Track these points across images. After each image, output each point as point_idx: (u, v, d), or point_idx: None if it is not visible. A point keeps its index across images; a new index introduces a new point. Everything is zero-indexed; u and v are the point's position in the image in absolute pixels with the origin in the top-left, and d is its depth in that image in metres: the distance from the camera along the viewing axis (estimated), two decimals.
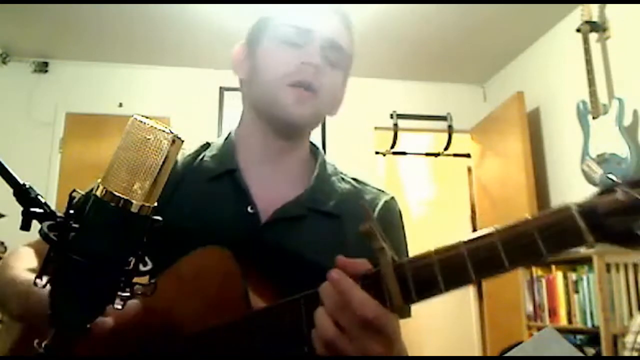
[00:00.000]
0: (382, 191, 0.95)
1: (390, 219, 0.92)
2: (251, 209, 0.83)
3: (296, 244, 0.81)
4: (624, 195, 0.50)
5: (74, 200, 0.49)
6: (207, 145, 0.94)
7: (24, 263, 0.79)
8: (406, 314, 0.59)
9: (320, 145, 0.99)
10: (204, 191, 0.85)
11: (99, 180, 0.49)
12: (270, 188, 0.87)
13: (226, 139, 0.94)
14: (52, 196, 3.62)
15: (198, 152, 0.92)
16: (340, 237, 0.83)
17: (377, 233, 0.57)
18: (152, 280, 0.52)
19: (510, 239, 0.54)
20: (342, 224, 0.85)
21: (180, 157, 0.90)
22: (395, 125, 4.15)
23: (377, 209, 0.90)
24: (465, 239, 0.56)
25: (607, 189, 0.52)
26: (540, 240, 0.52)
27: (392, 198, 0.94)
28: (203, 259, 0.73)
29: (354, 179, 0.95)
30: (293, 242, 0.81)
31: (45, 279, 0.48)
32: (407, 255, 0.89)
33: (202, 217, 0.82)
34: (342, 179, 0.94)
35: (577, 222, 0.51)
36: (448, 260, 0.55)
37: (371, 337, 0.55)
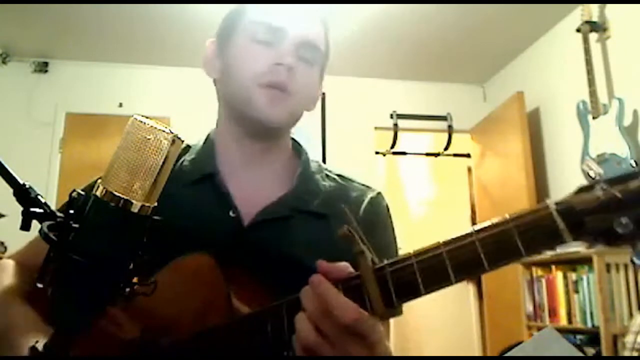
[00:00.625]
0: (368, 187, 0.94)
1: (377, 216, 0.90)
2: (233, 212, 0.81)
3: (281, 246, 0.80)
4: (603, 192, 0.49)
5: (74, 200, 0.49)
6: (187, 148, 0.93)
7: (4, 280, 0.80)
8: (397, 312, 0.59)
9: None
10: (185, 196, 0.83)
11: (99, 181, 0.49)
12: (253, 190, 0.85)
13: (205, 141, 0.93)
14: (52, 196, 3.62)
15: (179, 156, 0.91)
16: (326, 236, 0.81)
17: (356, 236, 0.56)
18: (152, 280, 0.53)
19: (489, 239, 0.53)
20: (327, 223, 0.84)
21: None
22: (395, 125, 4.15)
23: (363, 205, 0.89)
24: (443, 239, 0.55)
25: (586, 186, 0.51)
26: (519, 240, 0.51)
27: (379, 194, 0.93)
28: (186, 266, 0.72)
29: (339, 175, 0.94)
30: (278, 243, 0.80)
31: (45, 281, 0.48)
32: (396, 251, 0.88)
33: (185, 223, 0.80)
34: (327, 175, 0.92)
35: (556, 221, 0.50)
36: (427, 261, 0.55)
37: (352, 341, 0.55)
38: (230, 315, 0.67)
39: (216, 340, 0.67)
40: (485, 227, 0.54)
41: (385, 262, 0.57)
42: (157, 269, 0.71)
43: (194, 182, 0.85)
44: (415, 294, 0.56)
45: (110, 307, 0.51)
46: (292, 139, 0.96)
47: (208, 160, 0.88)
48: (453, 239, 0.55)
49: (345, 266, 0.59)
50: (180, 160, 0.89)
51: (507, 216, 0.53)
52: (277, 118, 0.83)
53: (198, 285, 0.71)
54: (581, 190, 0.51)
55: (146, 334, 0.69)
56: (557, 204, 0.51)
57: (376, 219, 0.89)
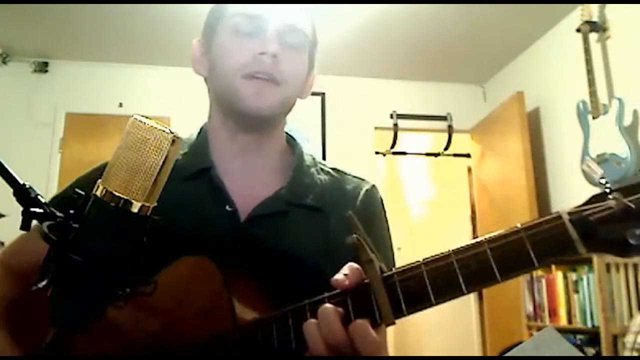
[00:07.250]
0: (362, 179, 0.93)
1: (373, 208, 0.90)
2: (229, 207, 0.80)
3: (278, 241, 0.79)
4: (616, 202, 0.48)
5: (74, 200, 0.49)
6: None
7: None
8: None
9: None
10: (180, 191, 0.81)
11: (99, 181, 0.49)
12: (248, 184, 0.85)
13: (198, 134, 0.92)
14: (52, 196, 3.62)
15: None
16: (323, 230, 0.82)
17: (365, 244, 0.56)
18: (154, 280, 0.52)
19: (501, 249, 0.52)
20: (324, 217, 0.83)
21: None
22: (395, 125, 4.14)
23: (359, 198, 0.89)
24: (453, 248, 0.55)
25: (598, 194, 0.50)
26: (532, 250, 0.51)
27: (373, 186, 0.93)
28: (186, 272, 0.71)
29: (333, 169, 0.93)
30: (275, 238, 0.80)
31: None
32: (391, 244, 0.89)
33: (181, 219, 0.78)
34: (322, 169, 0.92)
35: (569, 232, 0.50)
36: (437, 270, 0.55)
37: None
38: (234, 321, 0.66)
39: (221, 347, 0.66)
40: (497, 237, 0.53)
41: (394, 270, 0.57)
42: (155, 268, 0.70)
43: (189, 177, 0.84)
44: (425, 303, 0.55)
45: (110, 309, 0.50)
46: (286, 132, 0.95)
47: (202, 154, 0.87)
48: (463, 247, 0.54)
49: (358, 273, 0.59)
50: None
51: (519, 225, 0.52)
52: (267, 108, 0.82)
53: (199, 291, 0.70)
54: (593, 199, 0.50)
55: (147, 338, 0.69)
56: (570, 213, 0.50)
57: (372, 212, 0.89)
